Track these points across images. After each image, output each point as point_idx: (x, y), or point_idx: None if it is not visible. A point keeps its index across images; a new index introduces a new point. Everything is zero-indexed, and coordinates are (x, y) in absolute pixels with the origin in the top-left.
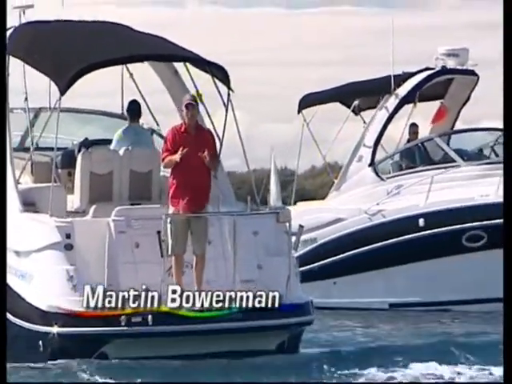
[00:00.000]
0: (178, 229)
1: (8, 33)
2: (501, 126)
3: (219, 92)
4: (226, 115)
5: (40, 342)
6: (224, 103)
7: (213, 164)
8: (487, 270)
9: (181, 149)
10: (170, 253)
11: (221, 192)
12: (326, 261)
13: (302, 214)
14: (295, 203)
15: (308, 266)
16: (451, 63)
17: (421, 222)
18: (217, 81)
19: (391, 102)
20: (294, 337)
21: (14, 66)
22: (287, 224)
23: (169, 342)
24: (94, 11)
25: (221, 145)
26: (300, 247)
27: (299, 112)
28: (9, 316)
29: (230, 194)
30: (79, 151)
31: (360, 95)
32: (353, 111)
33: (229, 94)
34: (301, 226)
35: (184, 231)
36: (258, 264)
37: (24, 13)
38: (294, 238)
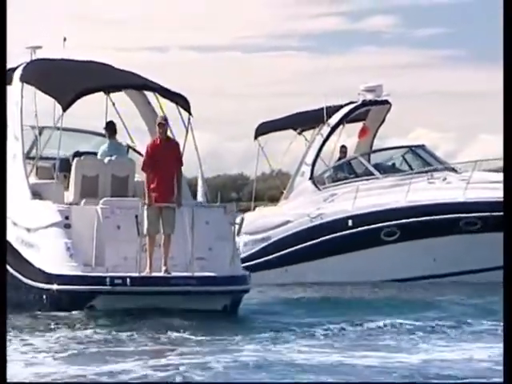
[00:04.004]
0: (153, 215)
1: (22, 66)
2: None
3: (181, 116)
4: (187, 135)
5: (44, 296)
6: (185, 125)
7: (178, 171)
8: (400, 258)
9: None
10: (145, 233)
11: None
12: (278, 253)
13: (260, 217)
14: (254, 208)
15: (265, 258)
16: (369, 96)
17: (349, 222)
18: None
19: (325, 130)
20: (235, 301)
21: (26, 93)
22: (233, 216)
23: (141, 298)
24: (92, 55)
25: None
26: (258, 244)
27: (256, 138)
28: (20, 277)
29: (187, 194)
30: (73, 159)
31: (303, 124)
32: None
33: (189, 119)
34: (242, 218)
35: (156, 217)
36: (209, 246)
37: (35, 52)
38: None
